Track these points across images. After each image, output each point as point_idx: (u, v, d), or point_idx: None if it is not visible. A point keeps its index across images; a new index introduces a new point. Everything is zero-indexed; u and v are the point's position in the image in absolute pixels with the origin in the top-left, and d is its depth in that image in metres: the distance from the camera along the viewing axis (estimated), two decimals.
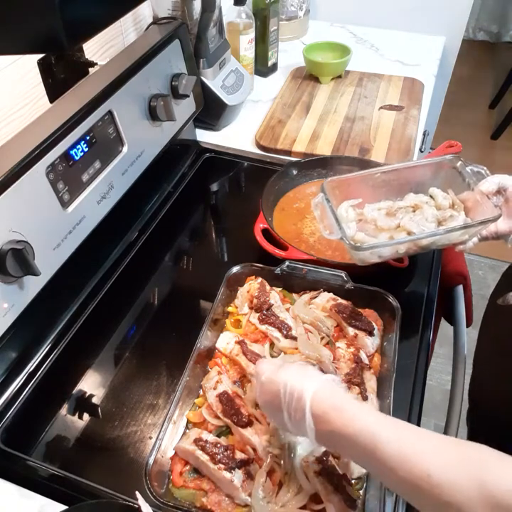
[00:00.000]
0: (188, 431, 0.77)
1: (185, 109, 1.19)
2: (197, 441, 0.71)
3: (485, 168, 0.87)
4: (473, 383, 0.58)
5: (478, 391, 0.60)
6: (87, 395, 0.86)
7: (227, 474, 0.68)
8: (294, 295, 0.95)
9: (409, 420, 0.79)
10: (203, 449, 0.70)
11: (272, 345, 0.87)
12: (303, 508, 0.69)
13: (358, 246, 0.82)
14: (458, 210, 0.88)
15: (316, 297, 0.92)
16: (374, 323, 0.87)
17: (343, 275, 0.91)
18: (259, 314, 0.88)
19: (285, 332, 0.86)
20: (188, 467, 0.73)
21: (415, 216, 0.87)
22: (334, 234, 0.83)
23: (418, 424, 0.80)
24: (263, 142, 1.33)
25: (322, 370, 0.82)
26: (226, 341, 0.86)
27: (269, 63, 1.61)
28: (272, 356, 0.85)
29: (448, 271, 1.11)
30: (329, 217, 0.85)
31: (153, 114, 1.04)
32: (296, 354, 0.83)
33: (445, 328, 1.20)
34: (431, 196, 0.91)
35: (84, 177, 0.89)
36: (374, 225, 0.88)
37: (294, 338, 0.85)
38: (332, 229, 0.84)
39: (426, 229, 0.85)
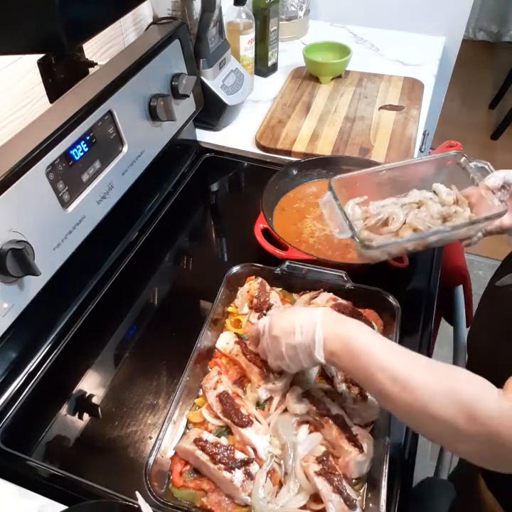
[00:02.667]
0: (188, 431, 0.77)
1: (185, 109, 1.19)
2: (197, 441, 0.71)
3: (488, 163, 0.87)
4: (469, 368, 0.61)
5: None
6: (87, 395, 0.86)
7: (227, 474, 0.68)
8: (294, 295, 0.95)
9: None
10: (203, 449, 0.70)
11: None
12: (303, 508, 0.69)
13: (368, 245, 0.82)
14: (462, 205, 0.88)
15: (316, 297, 0.92)
16: (374, 323, 0.87)
17: (343, 275, 0.91)
18: (258, 314, 0.88)
19: None
20: (188, 467, 0.73)
21: (420, 212, 0.87)
22: (345, 233, 0.83)
23: None
24: (263, 142, 1.33)
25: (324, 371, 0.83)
26: (226, 341, 0.86)
27: (269, 63, 1.61)
28: None
29: (448, 271, 1.11)
30: (338, 216, 0.85)
31: (153, 114, 1.04)
32: None
33: (445, 328, 1.20)
34: (434, 192, 0.91)
35: (84, 177, 0.89)
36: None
37: None
38: (342, 228, 0.84)
39: (432, 226, 0.85)
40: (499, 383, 0.58)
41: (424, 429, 0.61)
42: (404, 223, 0.87)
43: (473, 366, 0.59)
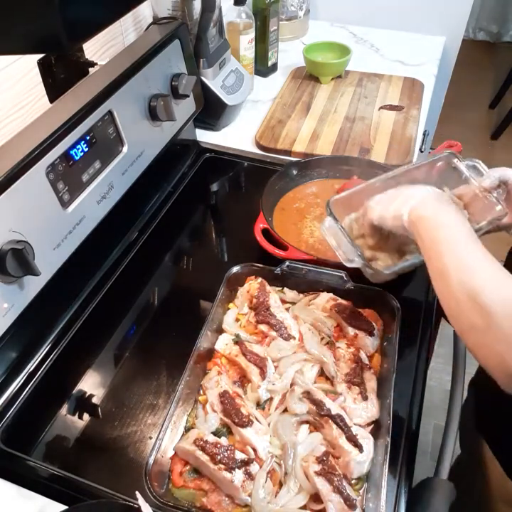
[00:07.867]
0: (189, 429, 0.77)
1: (185, 109, 1.19)
2: (197, 442, 0.71)
3: (480, 161, 0.87)
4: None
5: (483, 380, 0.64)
6: (87, 395, 0.86)
7: (227, 474, 0.68)
8: None
9: (409, 420, 0.79)
10: (203, 449, 0.70)
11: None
12: (303, 508, 0.69)
13: (379, 271, 0.81)
14: (458, 207, 0.87)
15: (315, 297, 0.92)
16: (374, 323, 0.87)
17: (343, 275, 0.91)
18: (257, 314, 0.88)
19: (283, 333, 0.86)
20: (188, 467, 0.73)
21: None
22: (355, 262, 0.82)
23: (418, 424, 0.80)
24: (263, 142, 1.33)
25: (324, 371, 0.83)
26: (225, 342, 0.86)
27: (269, 63, 1.61)
28: (273, 359, 0.84)
29: None
30: (343, 242, 0.83)
31: (153, 114, 1.04)
32: (298, 353, 0.83)
33: (445, 328, 1.20)
34: None
35: (84, 177, 0.89)
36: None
37: (293, 338, 0.85)
38: (349, 255, 0.82)
39: None
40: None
41: (459, 316, 0.62)
42: None
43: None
